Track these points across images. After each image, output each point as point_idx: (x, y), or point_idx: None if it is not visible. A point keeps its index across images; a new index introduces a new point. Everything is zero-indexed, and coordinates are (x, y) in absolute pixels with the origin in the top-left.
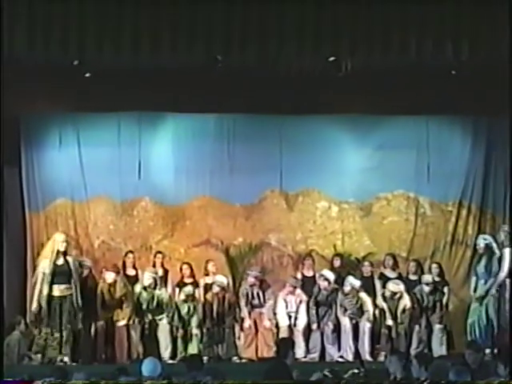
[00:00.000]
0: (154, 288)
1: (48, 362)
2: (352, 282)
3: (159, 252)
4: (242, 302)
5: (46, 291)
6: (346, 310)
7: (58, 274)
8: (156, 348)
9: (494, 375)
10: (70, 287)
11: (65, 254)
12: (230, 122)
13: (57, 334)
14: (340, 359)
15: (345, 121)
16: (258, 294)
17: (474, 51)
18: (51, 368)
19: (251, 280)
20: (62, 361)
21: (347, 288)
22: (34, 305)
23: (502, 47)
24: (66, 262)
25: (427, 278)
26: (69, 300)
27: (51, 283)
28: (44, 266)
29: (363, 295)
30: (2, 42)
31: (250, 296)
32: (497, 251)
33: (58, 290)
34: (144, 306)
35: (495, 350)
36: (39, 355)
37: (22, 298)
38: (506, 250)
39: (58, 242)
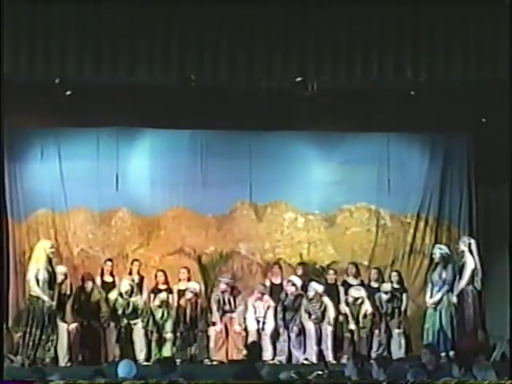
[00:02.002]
0: (130, 295)
1: (29, 363)
2: (315, 287)
3: (135, 260)
4: (214, 308)
5: (38, 296)
6: (310, 314)
7: (48, 280)
8: (131, 350)
9: (448, 376)
10: (53, 293)
11: (50, 260)
12: (202, 137)
13: (52, 337)
14: (305, 361)
15: (311, 137)
16: (228, 300)
17: (431, 73)
18: (31, 370)
19: (222, 287)
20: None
21: (311, 293)
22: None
23: (456, 70)
24: (53, 268)
25: (385, 286)
26: (56, 305)
27: (44, 288)
28: (35, 271)
29: (326, 300)
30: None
31: (221, 302)
32: (453, 260)
33: (47, 295)
34: (120, 312)
35: (450, 353)
36: (19, 357)
37: (4, 303)
38: (467, 260)
39: (46, 248)
